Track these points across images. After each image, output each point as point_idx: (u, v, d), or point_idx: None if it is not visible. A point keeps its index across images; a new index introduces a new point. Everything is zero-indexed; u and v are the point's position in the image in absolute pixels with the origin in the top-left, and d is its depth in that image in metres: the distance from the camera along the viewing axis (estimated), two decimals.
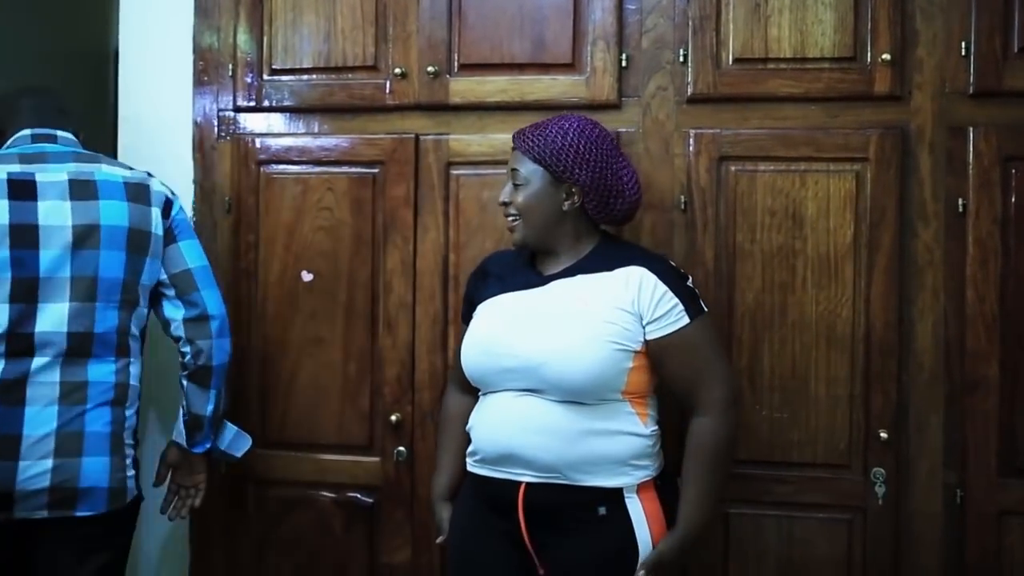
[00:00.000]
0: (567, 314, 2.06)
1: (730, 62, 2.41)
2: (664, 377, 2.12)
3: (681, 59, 2.43)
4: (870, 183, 2.34)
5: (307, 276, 2.59)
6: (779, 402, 2.38)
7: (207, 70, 2.69)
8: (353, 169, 2.58)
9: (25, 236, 2.22)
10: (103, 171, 2.31)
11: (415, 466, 2.55)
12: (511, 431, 2.06)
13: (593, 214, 2.14)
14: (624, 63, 2.45)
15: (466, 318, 2.28)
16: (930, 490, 2.34)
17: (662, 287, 2.06)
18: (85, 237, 2.24)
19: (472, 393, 2.24)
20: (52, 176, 2.27)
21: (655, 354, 2.07)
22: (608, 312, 2.05)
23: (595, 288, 2.08)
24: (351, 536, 2.59)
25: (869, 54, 2.35)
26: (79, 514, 2.21)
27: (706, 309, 2.11)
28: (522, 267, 2.21)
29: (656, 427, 2.12)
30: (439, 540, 2.25)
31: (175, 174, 2.67)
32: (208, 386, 2.35)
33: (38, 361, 2.20)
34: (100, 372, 2.25)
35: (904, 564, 2.34)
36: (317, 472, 2.60)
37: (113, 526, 2.28)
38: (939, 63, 2.34)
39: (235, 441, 2.49)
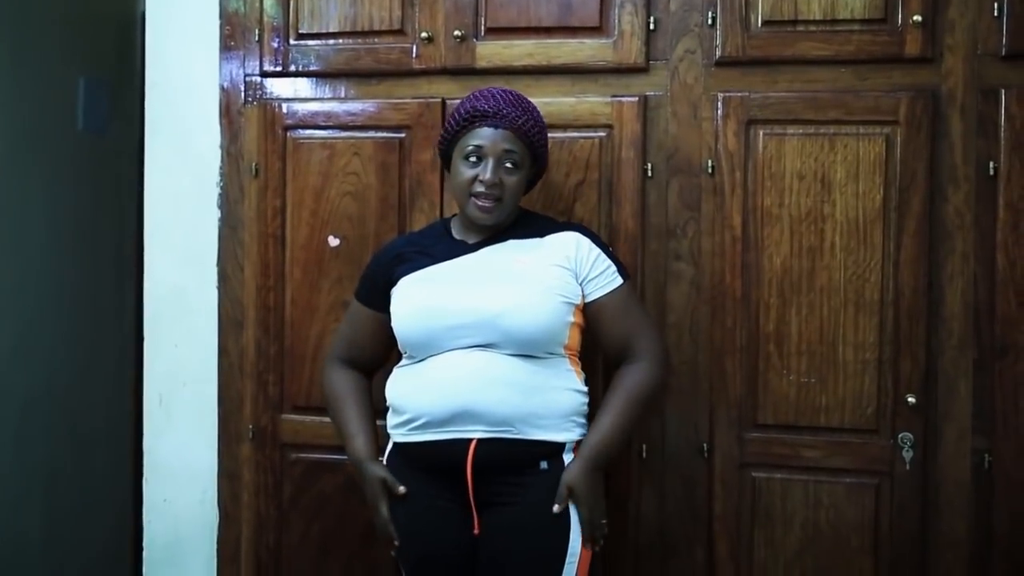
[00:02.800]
0: (511, 273, 2.11)
1: (759, 24, 2.39)
2: (602, 336, 2.18)
3: (709, 22, 2.40)
4: (900, 146, 2.32)
5: (334, 241, 2.59)
6: (807, 367, 2.37)
7: (234, 35, 2.68)
8: (379, 134, 2.57)
9: None
10: None
11: None
12: (467, 386, 2.04)
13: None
14: (652, 26, 2.43)
15: (369, 301, 2.26)
16: (958, 455, 2.33)
17: (596, 249, 2.17)
18: None
19: (358, 367, 2.28)
20: None
21: (594, 314, 2.16)
22: (549, 269, 2.12)
23: (531, 251, 2.15)
24: None
25: (900, 16, 2.32)
26: None
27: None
28: (440, 240, 2.22)
29: (587, 388, 2.16)
30: (401, 490, 2.11)
31: (202, 139, 2.70)
32: None
33: None
34: None
35: (931, 529, 2.34)
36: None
37: None
38: (971, 24, 2.31)
39: None
